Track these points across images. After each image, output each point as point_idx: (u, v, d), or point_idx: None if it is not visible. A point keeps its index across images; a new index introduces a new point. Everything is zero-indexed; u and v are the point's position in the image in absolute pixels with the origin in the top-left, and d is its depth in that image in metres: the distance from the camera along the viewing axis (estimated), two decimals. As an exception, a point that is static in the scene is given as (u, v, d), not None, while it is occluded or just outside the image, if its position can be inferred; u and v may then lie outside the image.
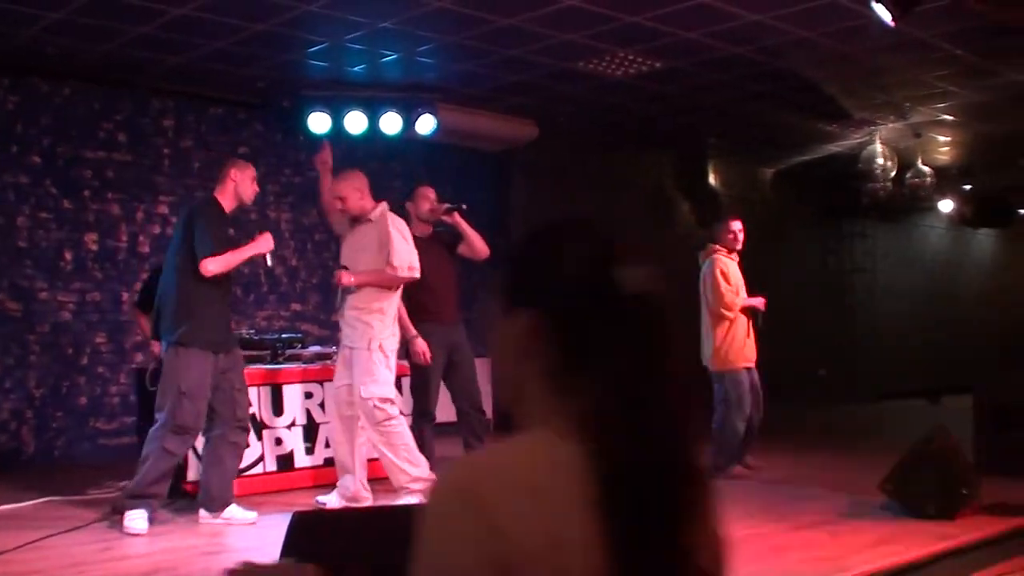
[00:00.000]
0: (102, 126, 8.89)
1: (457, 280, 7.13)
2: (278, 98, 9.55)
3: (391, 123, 9.53)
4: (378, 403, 6.11)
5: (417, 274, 6.28)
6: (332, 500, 6.37)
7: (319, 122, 9.34)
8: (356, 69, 8.84)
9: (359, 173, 6.44)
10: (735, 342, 7.64)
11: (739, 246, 7.80)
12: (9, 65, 8.30)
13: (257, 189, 6.18)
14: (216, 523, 5.93)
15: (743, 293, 7.75)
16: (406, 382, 7.08)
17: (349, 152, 9.54)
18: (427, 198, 6.96)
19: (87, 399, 8.73)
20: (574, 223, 1.36)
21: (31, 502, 6.54)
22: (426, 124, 9.61)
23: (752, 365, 7.70)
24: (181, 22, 7.39)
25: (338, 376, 6.40)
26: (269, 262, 6.25)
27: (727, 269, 7.70)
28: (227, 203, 6.00)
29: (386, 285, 6.25)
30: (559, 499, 1.16)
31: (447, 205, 6.91)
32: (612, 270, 1.25)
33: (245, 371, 6.32)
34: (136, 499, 5.67)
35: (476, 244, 6.94)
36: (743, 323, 7.67)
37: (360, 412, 6.20)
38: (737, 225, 7.80)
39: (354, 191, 6.32)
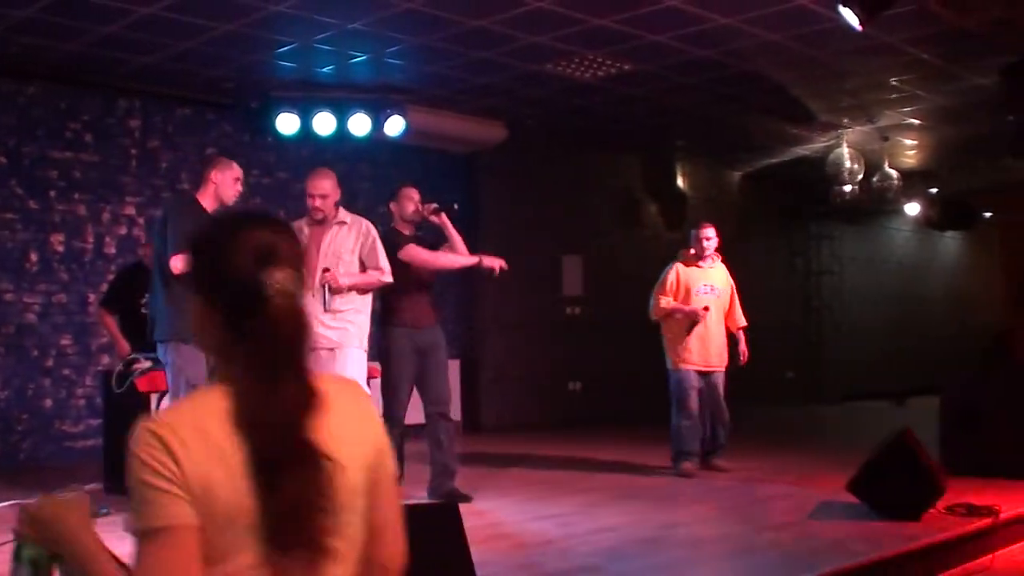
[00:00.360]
0: (68, 126, 8.80)
1: (432, 283, 7.01)
2: (246, 99, 9.50)
3: (360, 124, 9.48)
4: None
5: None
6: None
7: (287, 123, 9.30)
8: (325, 70, 8.81)
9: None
10: (677, 343, 7.72)
11: (707, 254, 7.80)
12: (-27, 64, 8.21)
13: (240, 189, 6.03)
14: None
15: (699, 299, 7.74)
16: (375, 383, 7.00)
17: (317, 153, 9.52)
18: (411, 199, 6.85)
19: (52, 401, 8.64)
20: (242, 221, 1.68)
21: (-5, 506, 6.46)
22: (395, 126, 9.58)
23: (706, 368, 7.72)
24: (148, 21, 7.34)
25: None
26: None
27: (671, 275, 7.77)
28: (208, 204, 5.85)
29: (372, 288, 6.23)
30: (215, 438, 1.51)
31: (435, 205, 6.77)
32: (262, 271, 1.58)
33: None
34: None
35: (460, 248, 6.77)
36: (680, 326, 7.71)
37: None
38: (707, 233, 7.78)
39: (336, 190, 6.25)
